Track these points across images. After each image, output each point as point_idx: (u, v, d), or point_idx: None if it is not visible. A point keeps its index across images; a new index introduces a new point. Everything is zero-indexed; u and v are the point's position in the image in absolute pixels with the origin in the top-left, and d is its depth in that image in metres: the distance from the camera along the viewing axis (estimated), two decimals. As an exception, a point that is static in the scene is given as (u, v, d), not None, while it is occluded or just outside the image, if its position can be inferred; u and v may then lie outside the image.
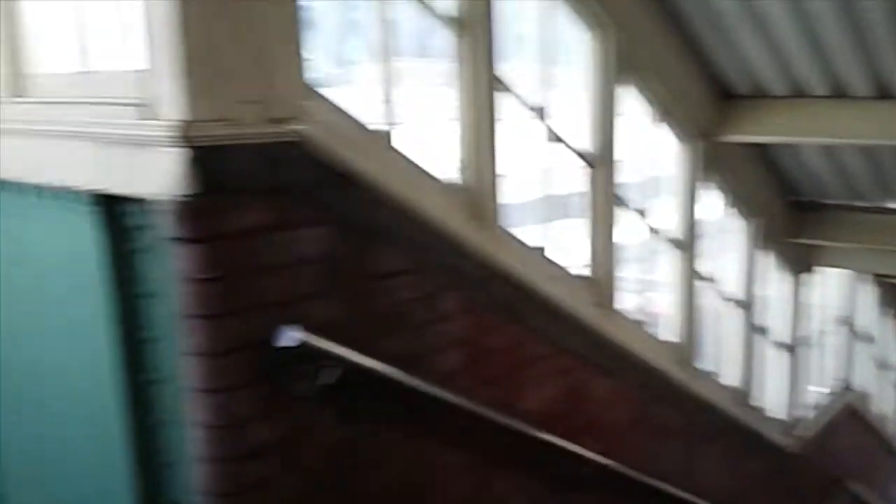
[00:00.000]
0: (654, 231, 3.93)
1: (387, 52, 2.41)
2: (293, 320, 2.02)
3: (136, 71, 1.91)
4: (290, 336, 1.99)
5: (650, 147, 3.94)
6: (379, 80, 2.45)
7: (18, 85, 2.32)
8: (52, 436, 2.65)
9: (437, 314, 2.49)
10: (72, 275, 2.32)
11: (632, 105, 3.61)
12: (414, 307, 2.41)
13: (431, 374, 2.43)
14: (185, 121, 1.77)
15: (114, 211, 2.10)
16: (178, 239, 1.88)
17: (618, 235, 3.48)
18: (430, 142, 2.83)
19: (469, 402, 2.52)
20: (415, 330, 2.43)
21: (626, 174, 3.55)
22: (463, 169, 2.69)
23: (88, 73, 2.16)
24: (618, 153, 3.42)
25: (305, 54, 2.01)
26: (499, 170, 2.77)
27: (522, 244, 2.92)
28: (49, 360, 2.55)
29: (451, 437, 2.61)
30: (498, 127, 2.74)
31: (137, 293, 2.13)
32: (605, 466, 3.23)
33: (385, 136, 2.39)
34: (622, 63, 3.37)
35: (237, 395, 2.00)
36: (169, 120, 1.79)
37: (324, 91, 2.22)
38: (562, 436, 2.97)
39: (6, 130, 2.31)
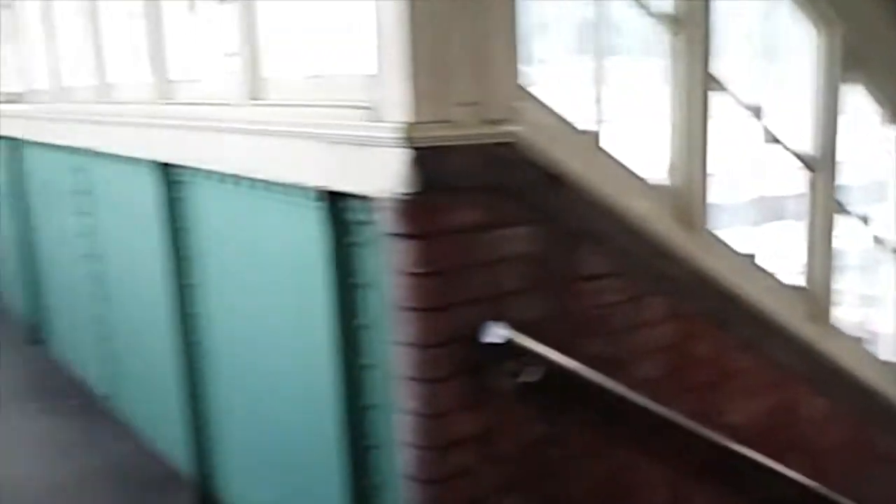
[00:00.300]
0: (878, 240, 3.61)
1: (598, 50, 2.40)
2: (499, 317, 2.07)
3: (365, 76, 2.03)
4: (497, 333, 2.03)
5: (877, 149, 3.62)
6: (586, 79, 2.44)
7: (255, 88, 2.53)
8: (272, 412, 2.87)
9: (640, 319, 2.45)
10: (296, 264, 2.51)
11: (857, 104, 3.34)
12: (617, 311, 2.38)
13: (631, 379, 2.39)
14: (408, 123, 1.86)
15: (337, 206, 2.25)
16: (397, 234, 1.98)
17: (837, 243, 3.23)
18: (636, 141, 2.78)
19: (670, 411, 2.45)
20: (617, 334, 2.40)
21: (848, 177, 3.29)
22: (672, 170, 2.62)
23: (320, 77, 2.32)
24: (840, 155, 3.17)
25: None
26: (709, 171, 2.67)
27: (732, 249, 2.79)
28: (271, 342, 2.78)
29: (648, 446, 2.55)
30: (710, 126, 2.64)
31: (355, 283, 2.27)
32: (811, 489, 3.02)
33: (594, 137, 2.37)
34: (849, 60, 3.12)
35: (443, 386, 2.07)
36: (393, 122, 1.88)
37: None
38: (766, 453, 2.81)
39: (243, 130, 2.54)
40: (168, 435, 3.80)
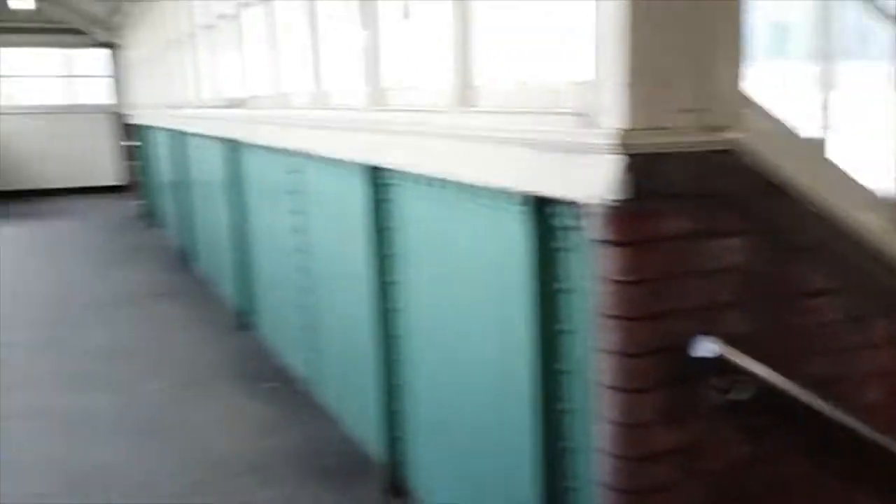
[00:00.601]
0: None
1: (825, 54, 2.27)
2: (708, 330, 2.01)
3: (578, 82, 2.05)
4: (707, 347, 1.97)
5: None
6: (813, 84, 2.32)
7: (466, 96, 2.62)
8: (466, 408, 2.95)
9: (862, 340, 2.28)
10: (497, 266, 2.56)
11: None
12: (837, 330, 2.23)
13: (849, 404, 2.23)
14: (623, 129, 1.85)
15: (543, 211, 2.28)
16: (605, 241, 1.97)
17: None
18: (861, 150, 2.59)
19: (893, 441, 2.26)
20: (835, 355, 2.25)
21: None
22: (904, 182, 2.43)
23: (531, 84, 2.36)
24: None
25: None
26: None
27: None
28: (468, 340, 2.85)
29: (865, 478, 2.37)
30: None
31: (557, 288, 2.28)
32: None
33: (819, 145, 2.24)
34: None
35: (646, 396, 2.04)
36: (608, 128, 1.88)
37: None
38: None
39: (452, 136, 2.63)
40: (363, 422, 4.01)
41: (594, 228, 1.99)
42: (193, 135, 7.82)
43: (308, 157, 4.27)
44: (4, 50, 15.78)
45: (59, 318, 7.13)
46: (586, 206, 2.00)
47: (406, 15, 3.27)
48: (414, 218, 3.22)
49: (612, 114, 1.88)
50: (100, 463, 4.18)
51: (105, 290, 8.18)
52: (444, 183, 2.82)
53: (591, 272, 2.06)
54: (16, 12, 14.59)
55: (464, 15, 2.59)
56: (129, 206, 13.82)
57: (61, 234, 11.86)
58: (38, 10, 14.72)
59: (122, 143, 15.33)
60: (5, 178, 15.74)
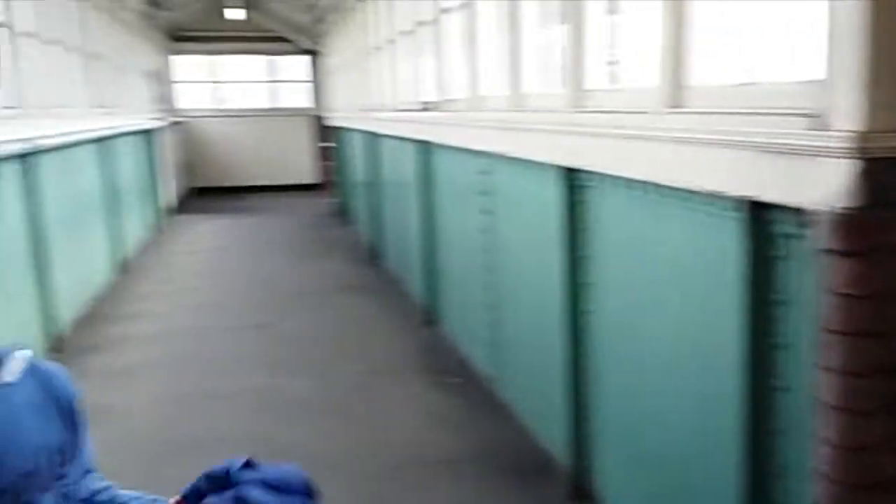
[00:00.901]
0: None
1: None
2: (949, 352, 1.83)
3: (808, 82, 1.93)
4: (949, 370, 1.80)
5: None
6: None
7: (677, 97, 2.54)
8: (661, 419, 2.87)
9: None
10: (704, 273, 2.47)
11: None
12: None
13: None
14: (860, 132, 1.73)
15: (759, 217, 2.17)
16: (832, 251, 1.85)
17: None
18: None
19: None
20: None
21: None
22: None
23: (750, 84, 2.25)
24: None
25: None
26: None
27: None
28: (666, 349, 2.77)
29: None
30: None
31: (774, 299, 2.17)
32: None
33: None
34: None
35: (871, 419, 1.89)
36: (841, 131, 1.76)
37: None
38: None
39: (659, 138, 2.56)
40: (547, 424, 4.00)
41: (821, 237, 1.87)
42: (386, 136, 8.16)
43: (500, 158, 4.32)
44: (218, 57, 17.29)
45: (260, 305, 7.69)
46: (812, 213, 1.89)
47: (611, 12, 3.22)
48: (611, 220, 3.18)
49: (846, 115, 1.76)
50: (293, 441, 4.43)
51: (301, 281, 8.72)
52: (645, 185, 2.76)
53: (814, 284, 1.94)
54: (229, 22, 15.90)
55: (677, 11, 2.51)
56: (323, 203, 14.67)
57: (262, 227, 12.78)
58: (248, 20, 15.96)
59: (319, 145, 16.30)
60: (214, 175, 17.22)
